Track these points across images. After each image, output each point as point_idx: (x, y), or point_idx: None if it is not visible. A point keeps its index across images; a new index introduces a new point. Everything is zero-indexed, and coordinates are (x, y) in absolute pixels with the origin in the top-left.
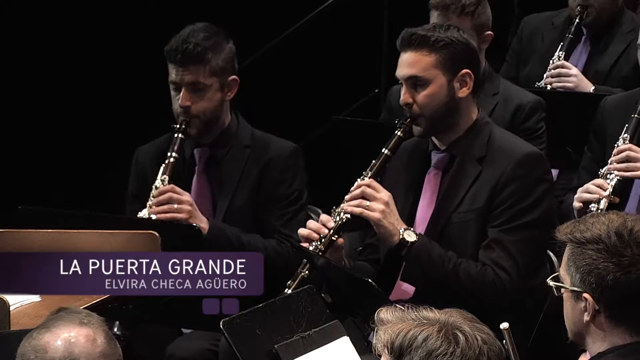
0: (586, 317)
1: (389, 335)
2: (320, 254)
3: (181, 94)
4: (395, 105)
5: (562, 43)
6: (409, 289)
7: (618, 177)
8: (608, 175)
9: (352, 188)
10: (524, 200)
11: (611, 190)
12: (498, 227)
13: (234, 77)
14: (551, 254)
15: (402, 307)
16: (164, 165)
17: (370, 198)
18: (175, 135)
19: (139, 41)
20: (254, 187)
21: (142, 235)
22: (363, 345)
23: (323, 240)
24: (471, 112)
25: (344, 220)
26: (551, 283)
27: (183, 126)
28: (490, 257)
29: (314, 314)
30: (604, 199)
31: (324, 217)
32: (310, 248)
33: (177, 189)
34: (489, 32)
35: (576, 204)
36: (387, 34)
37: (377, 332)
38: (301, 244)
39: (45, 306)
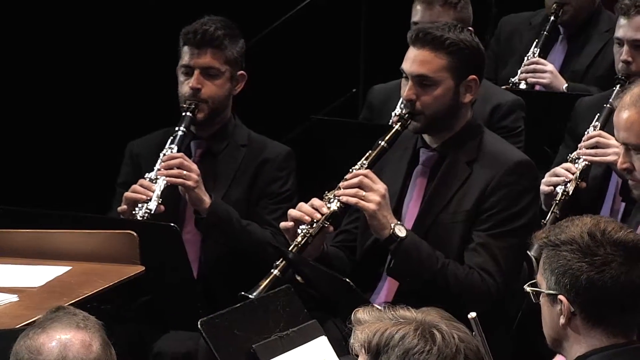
0: (562, 320)
1: (366, 334)
2: (310, 239)
3: (193, 76)
4: (376, 104)
5: (537, 40)
6: (391, 285)
7: (586, 162)
8: (577, 160)
9: (349, 176)
10: (512, 207)
11: (579, 174)
12: (485, 232)
13: (243, 72)
14: (532, 255)
15: (379, 307)
16: (171, 138)
17: (367, 189)
18: (184, 113)
19: (123, 40)
20: (248, 184)
21: (120, 235)
22: (342, 345)
23: (315, 224)
24: (466, 115)
25: (337, 207)
26: (528, 289)
27: (192, 106)
28: (476, 261)
29: (292, 314)
30: (571, 181)
31: (316, 201)
32: (299, 230)
33: (187, 158)
34: (470, 28)
35: (544, 188)
36: (365, 34)
37: (354, 332)
38: (283, 224)
39: (24, 306)
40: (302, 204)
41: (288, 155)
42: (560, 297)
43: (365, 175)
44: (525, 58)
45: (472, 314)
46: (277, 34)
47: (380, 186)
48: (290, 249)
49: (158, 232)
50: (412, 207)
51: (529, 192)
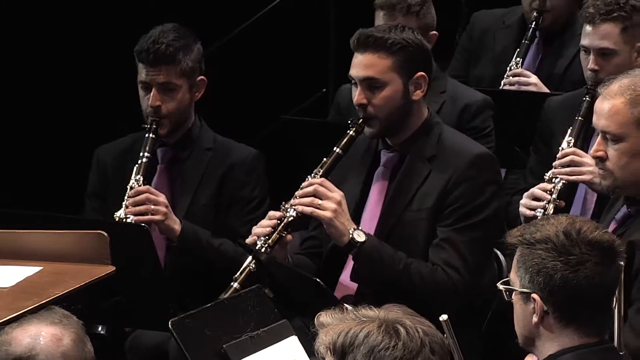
0: (535, 319)
1: (330, 336)
2: (269, 249)
3: (152, 94)
4: (344, 105)
5: (518, 49)
6: (351, 284)
7: (563, 181)
8: (553, 179)
9: (304, 185)
10: (474, 201)
11: (557, 194)
12: (448, 227)
13: (202, 77)
14: (500, 254)
15: (340, 309)
16: (137, 165)
17: (322, 197)
18: (147, 135)
19: (95, 43)
20: (215, 189)
21: (91, 235)
22: (312, 346)
23: (272, 236)
24: (422, 112)
25: (293, 217)
26: (501, 287)
27: (154, 126)
28: (441, 257)
29: (262, 314)
30: (550, 203)
31: (272, 213)
32: (259, 243)
33: (153, 190)
34: (434, 32)
35: (525, 211)
36: (334, 34)
37: (318, 335)
38: (248, 239)
39: None
40: (262, 222)
41: (255, 158)
42: (534, 295)
43: (321, 184)
44: (508, 68)
45: (444, 317)
46: (246, 35)
47: (336, 194)
48: (247, 263)
49: (128, 232)
50: (374, 209)
51: (491, 184)
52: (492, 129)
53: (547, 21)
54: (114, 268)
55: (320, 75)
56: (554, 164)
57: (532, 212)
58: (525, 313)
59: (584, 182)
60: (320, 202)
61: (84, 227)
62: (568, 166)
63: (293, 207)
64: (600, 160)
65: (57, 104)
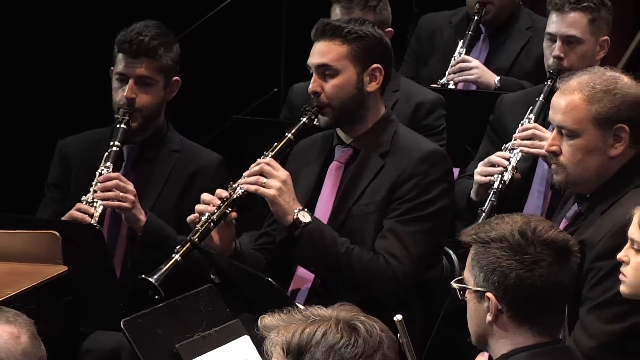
0: (489, 318)
1: (284, 336)
2: (212, 224)
3: (128, 85)
4: (296, 103)
5: (462, 40)
6: (307, 278)
7: (522, 154)
8: (512, 150)
9: (252, 165)
10: (423, 195)
11: (514, 164)
12: (394, 218)
13: (177, 78)
14: (451, 253)
15: (287, 310)
16: (106, 153)
17: (268, 175)
18: (118, 125)
19: (55, 37)
20: (179, 193)
21: (43, 235)
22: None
23: (217, 211)
24: (379, 108)
25: (239, 195)
26: (455, 285)
27: (126, 117)
28: (382, 245)
29: (214, 313)
30: (508, 171)
31: (219, 190)
32: (203, 218)
33: (123, 177)
34: (389, 29)
35: (480, 178)
36: (286, 33)
37: (268, 336)
38: (190, 217)
39: None
40: (204, 195)
41: (220, 165)
42: (488, 294)
43: (267, 164)
44: (452, 59)
45: (398, 317)
46: (198, 34)
47: (282, 172)
48: (190, 235)
49: (80, 232)
50: (326, 202)
51: (441, 181)
52: (444, 127)
53: (490, 13)
54: (66, 268)
55: (272, 74)
56: (514, 135)
57: (488, 179)
58: (479, 311)
59: (542, 155)
60: (265, 180)
61: (36, 227)
62: (529, 139)
63: (240, 185)
64: (554, 154)
65: (15, 101)
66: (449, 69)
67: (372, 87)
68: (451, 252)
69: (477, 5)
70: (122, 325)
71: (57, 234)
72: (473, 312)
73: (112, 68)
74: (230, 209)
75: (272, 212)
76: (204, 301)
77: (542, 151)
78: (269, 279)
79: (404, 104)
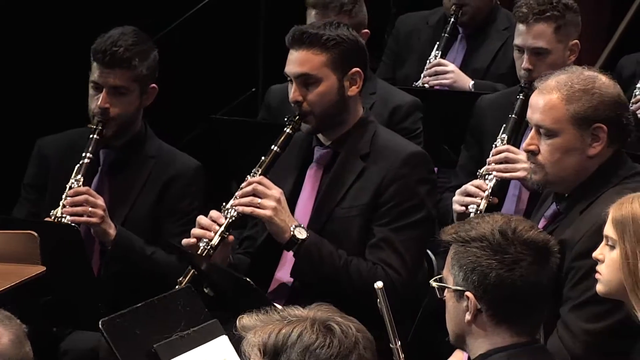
0: (468, 317)
1: (260, 337)
2: (212, 251)
3: (102, 95)
4: (273, 104)
5: (438, 42)
6: (287, 281)
7: (497, 178)
8: (486, 176)
9: (243, 185)
10: (410, 199)
11: (490, 191)
12: (386, 226)
13: (154, 85)
14: (430, 254)
15: (265, 310)
16: (78, 165)
17: (262, 195)
18: (91, 136)
19: (33, 37)
20: (155, 199)
21: (21, 235)
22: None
23: (215, 237)
24: (358, 110)
25: (234, 218)
26: (434, 284)
27: (100, 127)
28: (379, 256)
29: (192, 313)
30: (483, 200)
31: (214, 213)
32: (201, 245)
33: (93, 192)
34: (366, 30)
35: (457, 207)
36: (264, 33)
37: (245, 337)
38: (185, 240)
39: None
40: (200, 218)
41: (197, 171)
42: (468, 293)
43: (259, 182)
44: (428, 61)
45: (379, 284)
46: (176, 34)
47: (275, 191)
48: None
49: (59, 232)
50: (306, 204)
51: (425, 183)
52: (421, 130)
53: (466, 15)
54: (44, 268)
55: (250, 75)
56: (487, 160)
57: (464, 209)
58: (457, 311)
59: (517, 179)
60: (259, 200)
61: (14, 227)
62: (502, 163)
63: (233, 207)
64: (532, 154)
65: None
66: (424, 71)
67: (352, 91)
68: (429, 251)
69: (453, 6)
70: (100, 326)
71: (35, 234)
72: (452, 312)
73: (89, 72)
74: (227, 234)
75: (269, 231)
76: (182, 301)
77: (517, 174)
78: (248, 280)
79: (381, 107)
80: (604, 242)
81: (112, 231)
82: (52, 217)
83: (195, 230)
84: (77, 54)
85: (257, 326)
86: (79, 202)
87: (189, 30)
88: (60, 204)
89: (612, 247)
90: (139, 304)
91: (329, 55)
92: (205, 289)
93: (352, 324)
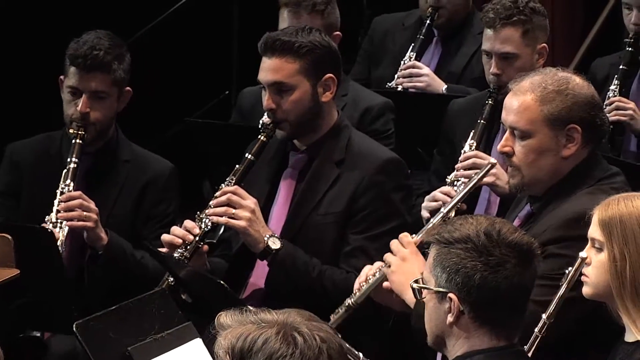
0: (450, 318)
1: (229, 340)
2: (186, 260)
3: (82, 100)
4: (246, 107)
5: (413, 44)
6: (261, 285)
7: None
8: (455, 182)
9: (217, 194)
10: (385, 207)
11: (458, 198)
12: (361, 234)
13: (128, 88)
14: None
15: (241, 310)
16: (65, 171)
17: (236, 205)
18: (73, 140)
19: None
20: (133, 204)
21: None
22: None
23: (188, 247)
24: (332, 115)
25: (208, 228)
26: (414, 285)
27: (82, 132)
28: (354, 265)
29: (166, 316)
30: (450, 206)
31: (188, 223)
32: (175, 255)
33: (85, 196)
34: (337, 32)
35: (424, 213)
36: (237, 36)
37: (217, 338)
38: (162, 249)
39: None
40: (174, 228)
41: (172, 174)
42: (451, 295)
43: (234, 192)
44: (402, 62)
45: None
46: (150, 37)
47: (250, 201)
48: (166, 276)
49: (32, 235)
50: (280, 210)
51: (400, 190)
52: (392, 131)
53: (442, 18)
54: (19, 271)
55: (224, 77)
56: (456, 166)
57: (432, 215)
58: (439, 312)
59: (486, 185)
60: (234, 211)
61: None
62: (470, 169)
63: (208, 217)
64: (507, 155)
65: None
66: (398, 73)
67: (326, 96)
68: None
69: (429, 9)
70: (74, 328)
71: (9, 237)
72: (432, 313)
73: (61, 77)
74: (201, 244)
75: (244, 241)
76: (157, 304)
77: (485, 180)
78: (222, 283)
79: (352, 109)
80: (589, 245)
81: (105, 235)
82: (48, 222)
83: (166, 236)
84: (44, 58)
85: (232, 326)
86: (73, 206)
87: (163, 33)
88: (54, 209)
89: (599, 250)
90: (113, 307)
91: (302, 63)
92: (182, 295)
93: (318, 333)
